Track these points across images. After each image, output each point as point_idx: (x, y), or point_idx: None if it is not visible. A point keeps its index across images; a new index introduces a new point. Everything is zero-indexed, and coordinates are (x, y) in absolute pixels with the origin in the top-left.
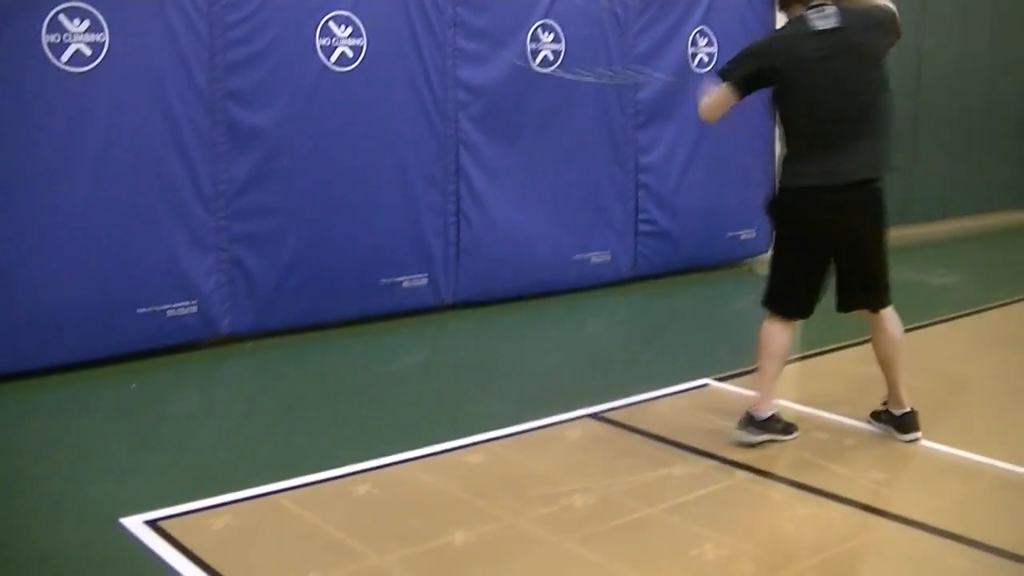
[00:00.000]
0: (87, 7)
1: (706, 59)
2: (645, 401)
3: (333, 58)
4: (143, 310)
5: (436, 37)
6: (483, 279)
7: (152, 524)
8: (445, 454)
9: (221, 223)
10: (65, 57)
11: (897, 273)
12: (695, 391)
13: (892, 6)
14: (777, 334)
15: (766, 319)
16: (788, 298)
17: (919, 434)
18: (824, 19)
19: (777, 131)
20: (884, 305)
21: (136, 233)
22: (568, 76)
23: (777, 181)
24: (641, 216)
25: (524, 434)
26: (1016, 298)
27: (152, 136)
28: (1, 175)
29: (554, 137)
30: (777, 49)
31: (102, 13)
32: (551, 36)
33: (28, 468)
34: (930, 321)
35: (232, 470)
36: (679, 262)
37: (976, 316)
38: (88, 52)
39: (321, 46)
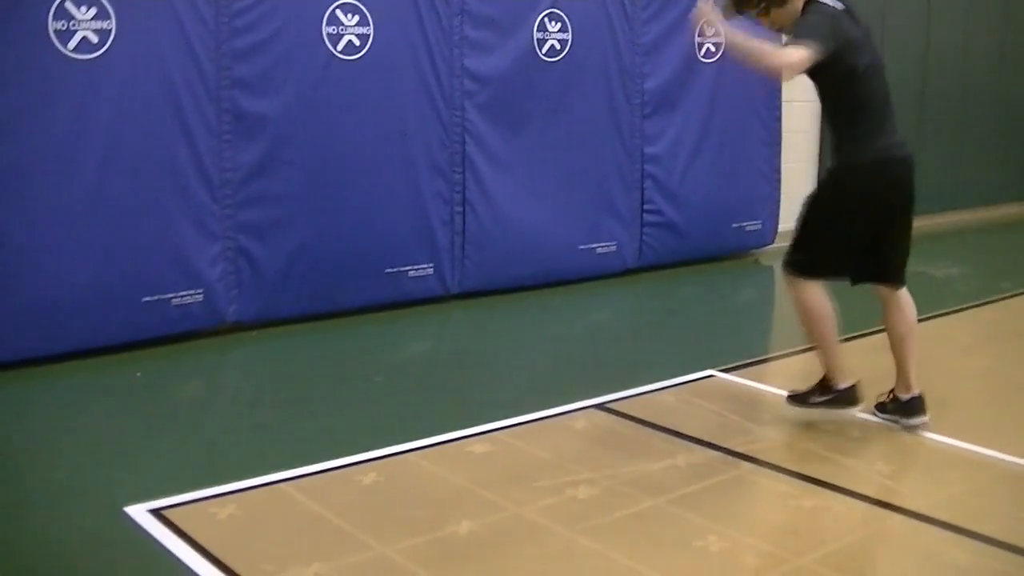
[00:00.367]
0: None
1: (713, 49)
2: (650, 392)
3: (340, 46)
4: (148, 298)
5: (443, 26)
6: (488, 269)
7: (156, 513)
8: (450, 443)
9: (227, 211)
10: (72, 44)
11: None
12: (700, 382)
13: None
14: (819, 295)
15: (800, 289)
16: (830, 264)
17: (926, 417)
18: (835, 1)
19: (823, 113)
20: (904, 282)
21: (142, 221)
22: None
23: (838, 159)
24: (647, 207)
25: (529, 424)
26: (1022, 290)
27: (158, 124)
28: (7, 163)
29: (560, 127)
30: (837, 29)
31: (109, 0)
32: (558, 25)
33: (32, 456)
34: (935, 313)
35: (237, 459)
36: (684, 253)
37: (981, 308)
38: (95, 39)
39: (328, 34)
